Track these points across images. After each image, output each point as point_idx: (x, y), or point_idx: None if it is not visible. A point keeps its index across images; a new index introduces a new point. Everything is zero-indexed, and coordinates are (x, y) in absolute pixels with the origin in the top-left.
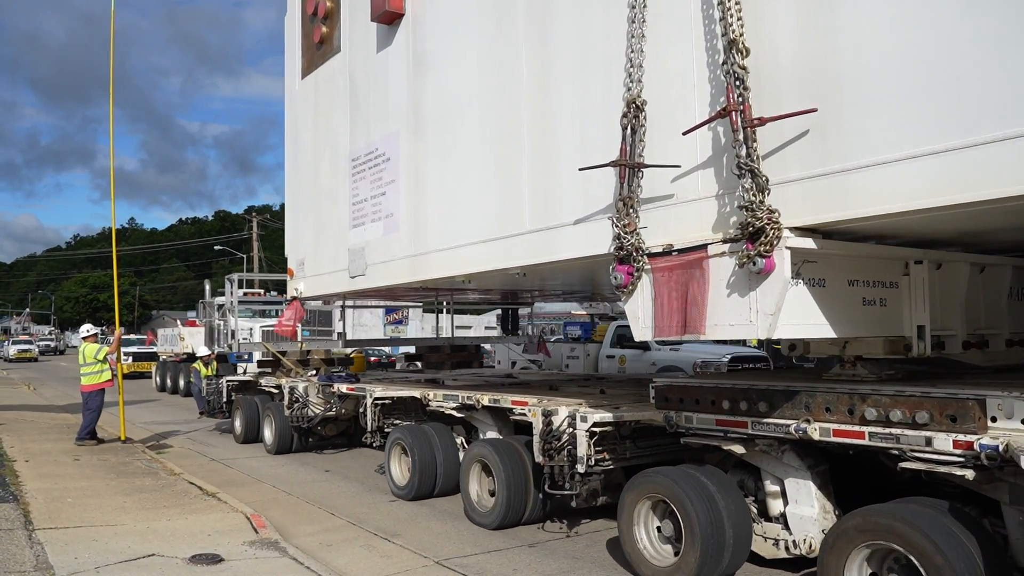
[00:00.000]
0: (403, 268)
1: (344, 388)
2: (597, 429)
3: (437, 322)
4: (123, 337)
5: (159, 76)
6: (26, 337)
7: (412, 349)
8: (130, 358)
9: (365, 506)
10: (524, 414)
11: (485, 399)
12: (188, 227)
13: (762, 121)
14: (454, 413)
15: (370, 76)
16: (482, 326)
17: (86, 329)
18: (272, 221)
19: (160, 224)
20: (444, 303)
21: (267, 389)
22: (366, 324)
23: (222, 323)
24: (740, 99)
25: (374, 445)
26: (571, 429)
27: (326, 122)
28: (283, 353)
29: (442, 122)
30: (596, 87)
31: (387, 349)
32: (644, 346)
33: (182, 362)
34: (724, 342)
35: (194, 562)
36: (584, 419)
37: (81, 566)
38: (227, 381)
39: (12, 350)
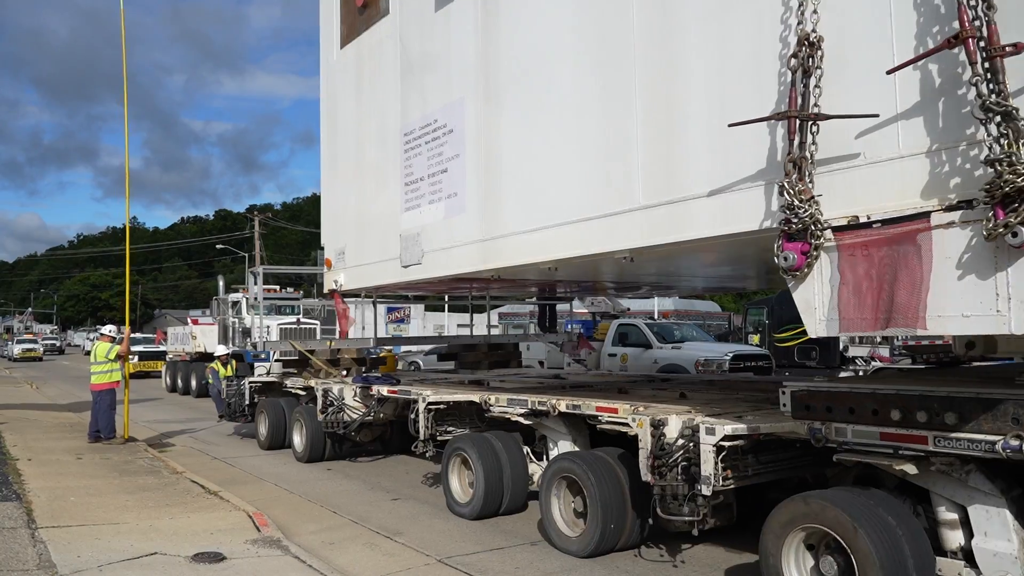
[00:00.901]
0: (470, 255)
1: (385, 391)
2: (726, 444)
3: (471, 320)
4: (112, 336)
5: (163, 74)
6: (31, 336)
7: (406, 346)
8: (136, 357)
9: (367, 504)
10: (618, 423)
11: (562, 405)
12: (190, 226)
13: (1019, 48)
14: (521, 420)
15: (426, 38)
16: (482, 324)
17: (109, 329)
18: (274, 220)
19: (161, 223)
20: (471, 298)
21: (294, 391)
22: (368, 323)
23: (237, 321)
24: (981, 20)
25: (427, 455)
26: (688, 443)
27: (371, 94)
28: (311, 352)
29: (522, 85)
30: (741, 27)
31: (401, 348)
32: (646, 344)
33: (193, 362)
34: (725, 341)
35: (196, 560)
36: (711, 431)
37: (84, 564)
38: (249, 382)
39: (16, 349)
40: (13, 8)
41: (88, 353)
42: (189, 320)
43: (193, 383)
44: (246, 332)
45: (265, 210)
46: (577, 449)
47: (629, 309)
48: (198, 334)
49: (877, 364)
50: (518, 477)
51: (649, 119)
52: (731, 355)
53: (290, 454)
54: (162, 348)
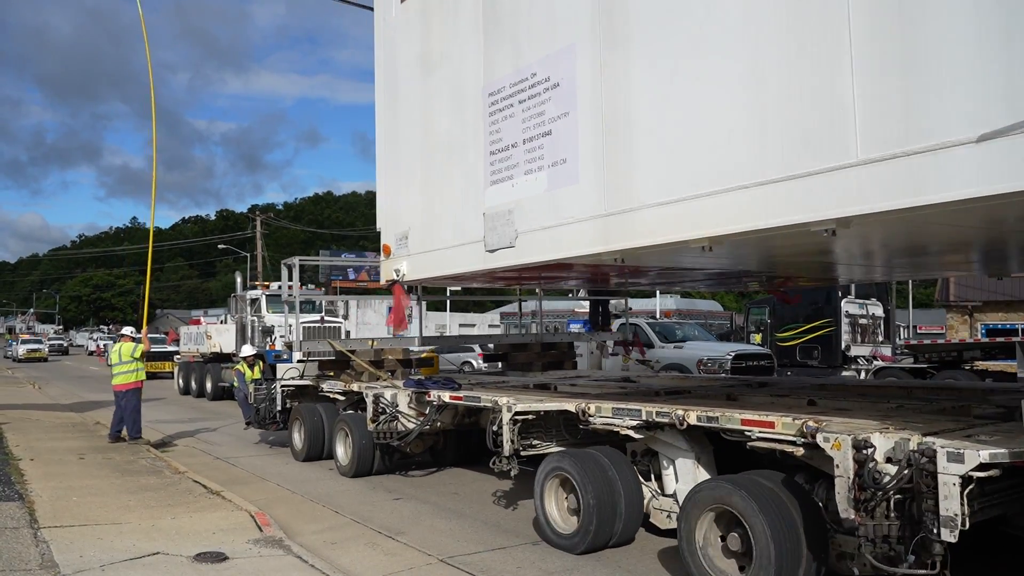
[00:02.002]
0: (585, 234)
1: (446, 397)
2: (977, 475)
3: (528, 318)
4: (133, 336)
5: (166, 72)
6: (35, 336)
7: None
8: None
9: (369, 504)
10: (778, 441)
11: (692, 416)
12: (191, 226)
13: None
14: (632, 435)
15: None
16: (485, 324)
17: (130, 330)
18: (276, 220)
19: (164, 223)
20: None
21: (331, 396)
22: (370, 323)
23: (257, 319)
24: None
25: (512, 474)
26: (914, 471)
27: (442, 49)
28: (351, 352)
29: (661, 22)
30: None
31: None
32: (648, 344)
33: (208, 362)
34: (727, 340)
35: (199, 560)
36: (957, 458)
37: (86, 564)
38: (282, 386)
39: (21, 350)
40: (16, 6)
41: (92, 353)
42: (203, 321)
43: (208, 385)
44: (266, 331)
45: (267, 210)
46: (700, 469)
47: (631, 308)
48: (213, 334)
49: (879, 363)
50: (632, 503)
51: (872, 46)
52: (733, 354)
53: (350, 469)
54: (170, 348)
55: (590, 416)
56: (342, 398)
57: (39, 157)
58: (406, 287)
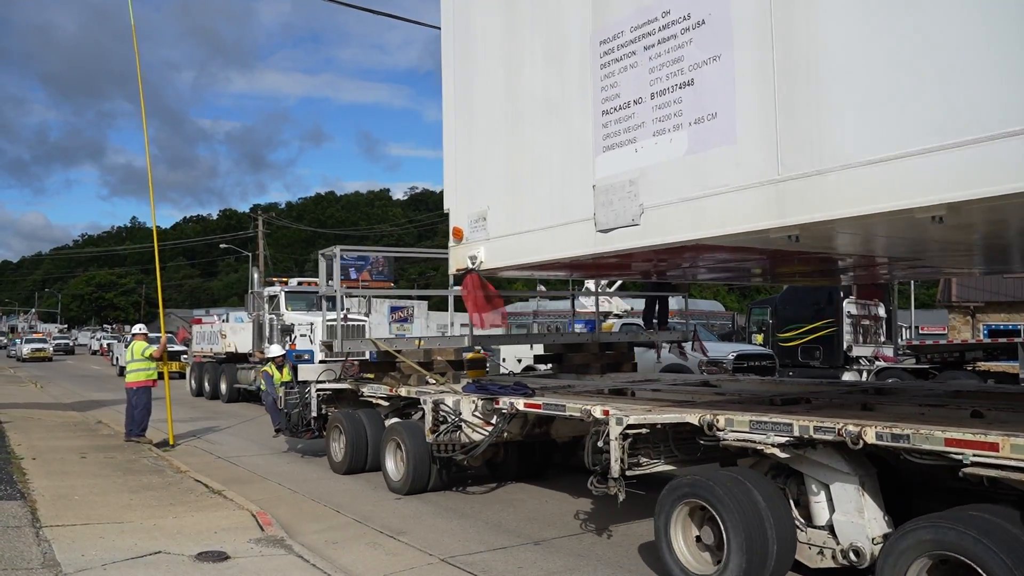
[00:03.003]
0: (747, 205)
1: (521, 404)
2: None
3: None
4: (145, 334)
5: (170, 70)
6: (40, 335)
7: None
8: (164, 358)
9: (370, 504)
10: (1003, 468)
11: (871, 433)
12: (193, 225)
13: None
14: (777, 454)
15: None
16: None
17: (139, 328)
18: (277, 220)
19: (165, 222)
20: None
21: (374, 401)
22: (373, 323)
23: (275, 317)
24: None
25: (620, 499)
26: None
27: None
28: (399, 352)
29: None
30: None
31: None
32: (650, 344)
33: (223, 363)
34: (728, 340)
35: (200, 559)
36: None
37: (88, 563)
38: (318, 390)
39: (25, 349)
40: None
41: (95, 353)
42: (217, 319)
43: (223, 386)
44: (286, 330)
45: (269, 209)
46: (866, 497)
47: (632, 308)
48: (228, 332)
49: (881, 364)
50: (784, 538)
51: None
52: (735, 354)
53: (404, 484)
54: (177, 348)
55: (719, 430)
56: (385, 403)
57: (42, 156)
58: (484, 278)
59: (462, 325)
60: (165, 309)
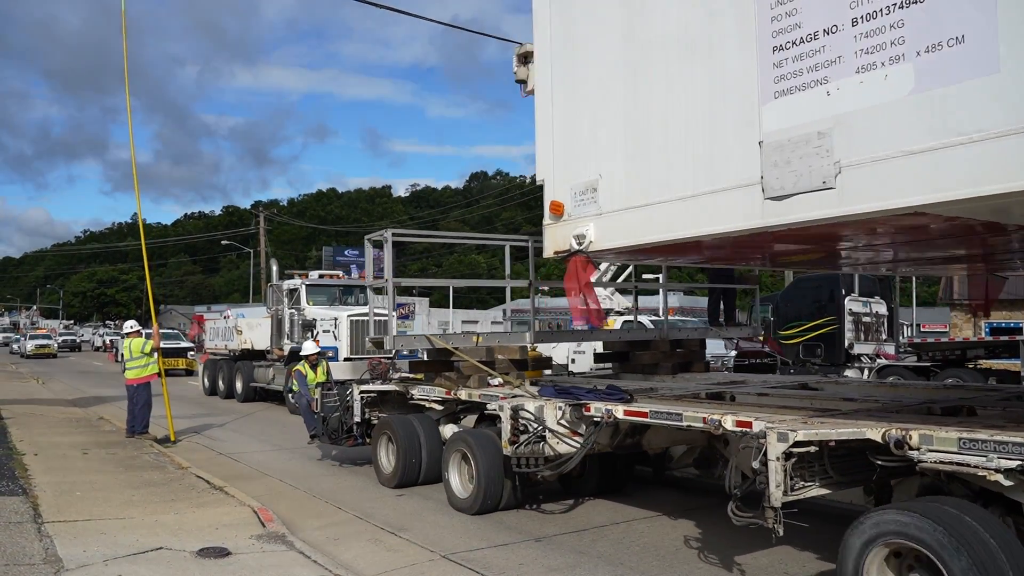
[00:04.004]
0: (1018, 156)
1: (620, 411)
2: None
3: (639, 307)
4: (139, 330)
5: (174, 65)
6: (44, 331)
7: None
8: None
9: (372, 500)
10: None
11: None
12: (195, 222)
13: None
14: (1001, 480)
15: None
16: (488, 321)
17: (130, 325)
18: (278, 216)
19: (166, 218)
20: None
21: (427, 405)
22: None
23: (296, 312)
24: None
25: (779, 532)
26: None
27: None
28: (456, 349)
29: None
30: None
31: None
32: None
33: (239, 360)
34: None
35: (202, 555)
36: None
37: (90, 559)
38: (361, 392)
39: (29, 345)
40: None
41: (98, 349)
42: (231, 314)
43: (238, 385)
44: (307, 325)
45: (270, 206)
46: None
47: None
48: (244, 328)
49: (882, 362)
50: None
51: None
52: (736, 352)
53: (475, 503)
54: (184, 344)
55: (911, 449)
56: (439, 407)
57: (45, 151)
58: (594, 262)
59: (463, 322)
60: (167, 305)
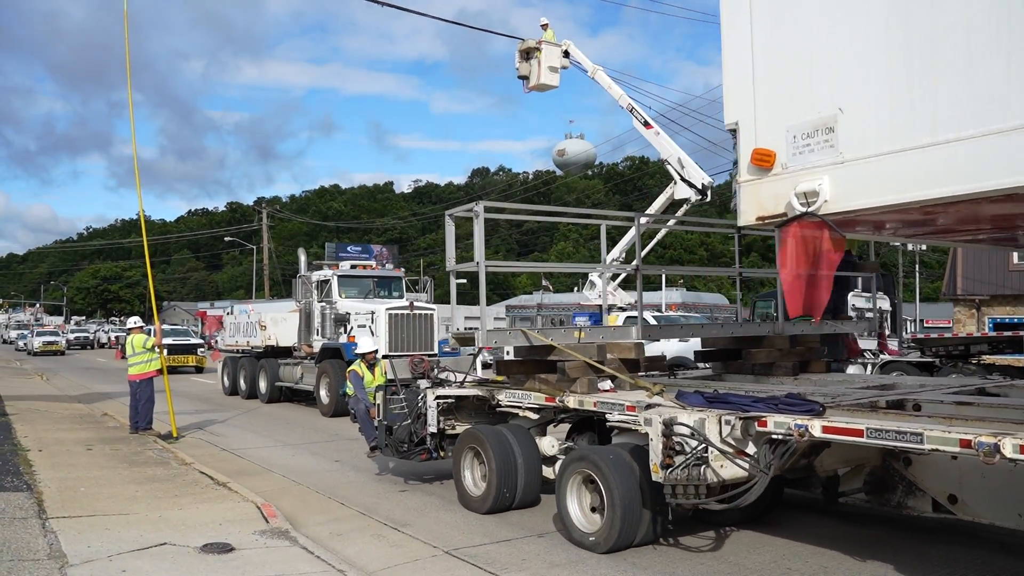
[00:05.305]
0: None
1: (817, 429)
2: None
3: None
4: (142, 327)
5: (179, 60)
6: (52, 328)
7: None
8: (164, 351)
9: (375, 496)
10: None
11: None
12: (198, 218)
13: None
14: None
15: None
16: (491, 317)
17: (132, 321)
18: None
19: (170, 214)
20: None
21: (521, 412)
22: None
23: (327, 305)
24: None
25: None
26: None
27: None
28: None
29: None
30: None
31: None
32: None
33: (262, 357)
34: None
35: (205, 551)
36: None
37: (94, 554)
38: (437, 397)
39: (36, 342)
40: None
41: (103, 345)
42: (247, 309)
43: (262, 384)
44: (339, 320)
45: (273, 202)
46: None
47: (633, 303)
48: (268, 323)
49: (886, 357)
50: None
51: None
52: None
53: (608, 539)
54: (193, 341)
55: None
56: (533, 416)
57: (49, 146)
58: (831, 226)
59: (466, 318)
60: (170, 302)
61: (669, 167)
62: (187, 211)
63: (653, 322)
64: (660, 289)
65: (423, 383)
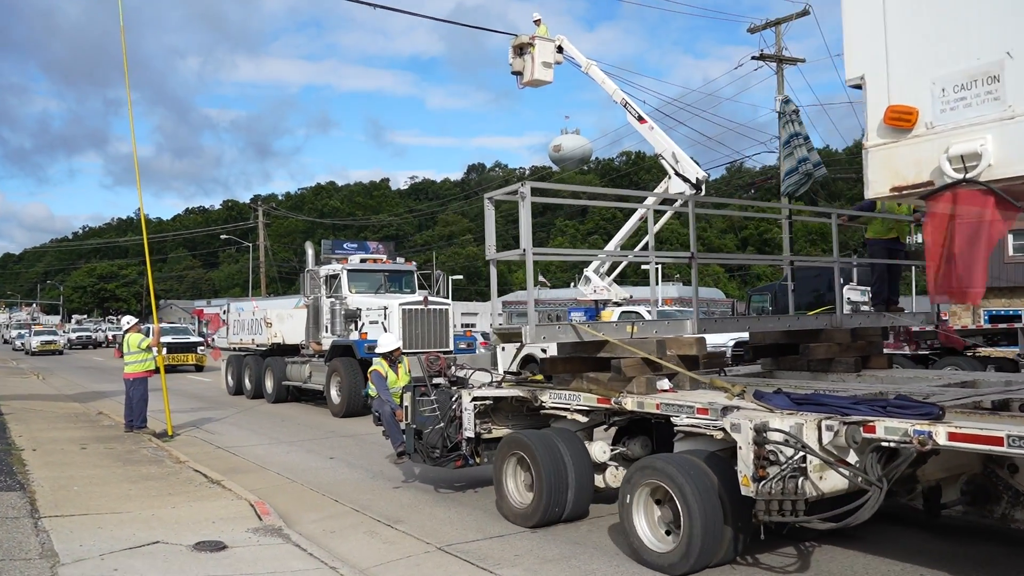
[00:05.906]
0: None
1: (943, 436)
2: None
3: (846, 290)
4: (138, 325)
5: (176, 58)
6: (49, 327)
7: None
8: (164, 349)
9: (369, 493)
10: None
11: None
12: (194, 216)
13: None
14: None
15: None
16: (486, 314)
17: (127, 320)
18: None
19: (167, 213)
20: None
21: (569, 415)
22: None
23: (336, 300)
24: None
25: None
26: None
27: None
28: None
29: None
30: None
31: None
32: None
33: (268, 355)
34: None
35: (198, 549)
36: None
37: (86, 553)
38: (474, 399)
39: (34, 341)
40: None
41: (100, 344)
42: (252, 306)
43: (268, 383)
44: (350, 316)
45: (269, 200)
46: None
47: (631, 296)
48: (274, 320)
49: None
50: None
51: None
52: (734, 342)
53: (684, 565)
54: (193, 339)
55: None
56: (582, 419)
57: (45, 145)
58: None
59: (463, 314)
60: (167, 300)
61: (664, 162)
62: (183, 209)
63: (648, 316)
64: (657, 284)
65: (439, 381)
